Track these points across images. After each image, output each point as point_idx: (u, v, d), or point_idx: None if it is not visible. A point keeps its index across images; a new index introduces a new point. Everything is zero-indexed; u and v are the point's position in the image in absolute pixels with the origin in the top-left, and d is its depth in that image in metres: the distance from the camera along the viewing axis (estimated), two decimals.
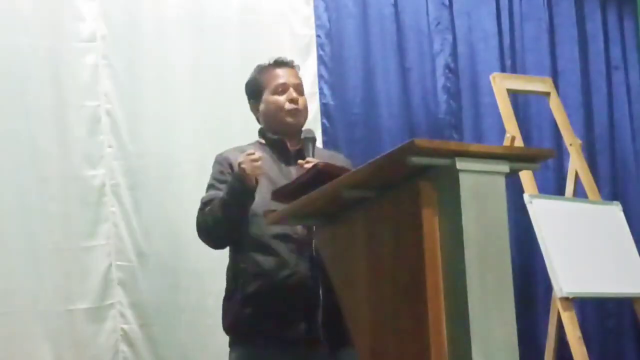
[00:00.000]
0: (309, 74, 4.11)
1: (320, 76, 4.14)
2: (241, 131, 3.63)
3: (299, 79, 2.87)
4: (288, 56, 3.79)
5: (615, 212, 4.14)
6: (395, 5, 4.40)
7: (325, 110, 4.13)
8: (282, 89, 2.76)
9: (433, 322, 1.84)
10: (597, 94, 4.98)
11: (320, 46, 4.17)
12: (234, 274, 2.68)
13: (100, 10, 3.66)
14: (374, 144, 4.17)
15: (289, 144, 2.76)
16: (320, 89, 4.13)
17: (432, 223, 1.88)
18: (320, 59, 4.16)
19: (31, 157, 3.44)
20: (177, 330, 3.60)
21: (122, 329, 3.53)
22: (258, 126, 2.90)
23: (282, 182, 2.60)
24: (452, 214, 1.86)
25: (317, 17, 4.18)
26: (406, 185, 1.95)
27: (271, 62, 2.85)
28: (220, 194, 2.65)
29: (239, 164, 2.55)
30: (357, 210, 2.13)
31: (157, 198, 3.64)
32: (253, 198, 2.57)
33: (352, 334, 2.20)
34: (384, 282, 2.02)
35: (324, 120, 4.11)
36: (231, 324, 2.67)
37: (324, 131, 4.10)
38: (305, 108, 2.82)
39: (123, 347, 3.52)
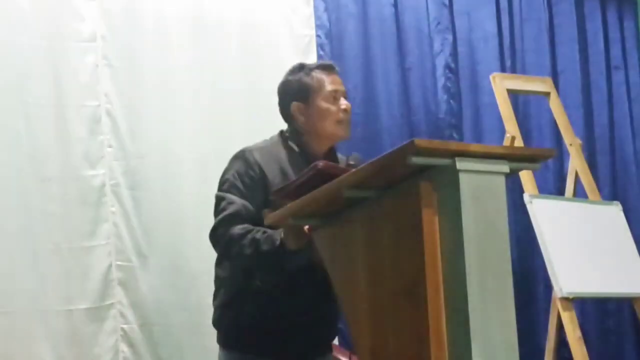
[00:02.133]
0: None
1: None
2: (241, 131, 3.64)
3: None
4: (288, 56, 3.79)
5: (615, 212, 4.14)
6: (395, 5, 4.41)
7: None
8: (335, 97, 2.68)
9: (433, 322, 1.84)
10: (597, 94, 4.98)
11: (320, 46, 4.17)
12: (244, 282, 2.60)
13: (100, 10, 3.66)
14: (374, 144, 4.18)
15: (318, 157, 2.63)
16: None
17: (432, 223, 1.88)
18: (320, 59, 4.15)
19: (31, 157, 3.44)
20: (177, 330, 3.61)
21: (122, 329, 3.53)
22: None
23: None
24: (452, 214, 1.86)
25: (317, 17, 4.18)
26: (406, 185, 1.95)
27: (317, 64, 2.77)
28: (242, 203, 2.53)
29: (284, 241, 2.39)
30: (357, 210, 2.12)
31: (157, 198, 3.65)
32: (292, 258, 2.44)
33: (352, 334, 2.20)
34: (384, 282, 2.02)
35: None
36: (233, 332, 2.64)
37: None
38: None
39: (123, 347, 3.53)
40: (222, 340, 2.70)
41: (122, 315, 3.54)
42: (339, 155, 2.75)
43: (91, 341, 3.46)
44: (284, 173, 2.60)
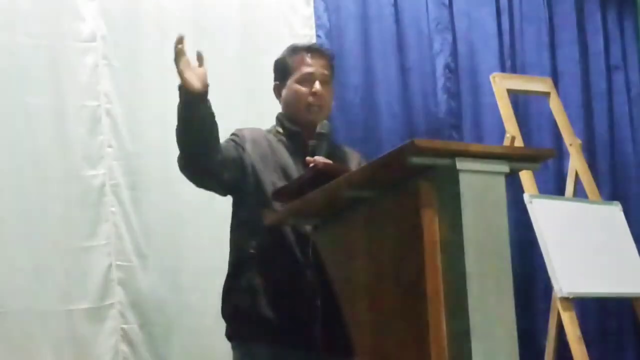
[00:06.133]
0: None
1: None
2: None
3: (329, 69, 2.71)
4: None
5: (615, 212, 4.14)
6: (395, 5, 4.41)
7: None
8: (308, 79, 2.63)
9: (433, 322, 1.84)
10: (597, 94, 4.98)
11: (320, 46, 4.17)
12: (238, 261, 2.59)
13: (100, 10, 3.66)
14: (374, 144, 4.17)
15: (306, 138, 2.63)
16: None
17: (432, 223, 1.88)
18: None
19: (31, 157, 3.44)
20: (177, 330, 3.60)
21: (122, 329, 3.53)
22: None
23: (296, 175, 2.55)
24: (452, 214, 1.86)
25: (317, 17, 4.18)
26: (406, 185, 1.95)
27: (306, 45, 2.73)
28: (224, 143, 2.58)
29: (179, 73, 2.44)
30: (357, 210, 2.12)
31: (157, 198, 3.64)
32: (205, 102, 2.48)
33: (352, 334, 2.20)
34: (384, 282, 2.02)
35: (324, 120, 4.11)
36: (232, 315, 2.61)
37: None
38: (328, 103, 2.70)
39: (123, 347, 3.52)
40: (229, 329, 2.64)
41: (122, 315, 3.54)
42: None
43: (91, 341, 3.46)
44: (272, 150, 2.61)
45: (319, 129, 2.63)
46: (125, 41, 3.70)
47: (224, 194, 2.71)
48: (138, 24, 3.75)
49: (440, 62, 4.49)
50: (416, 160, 1.86)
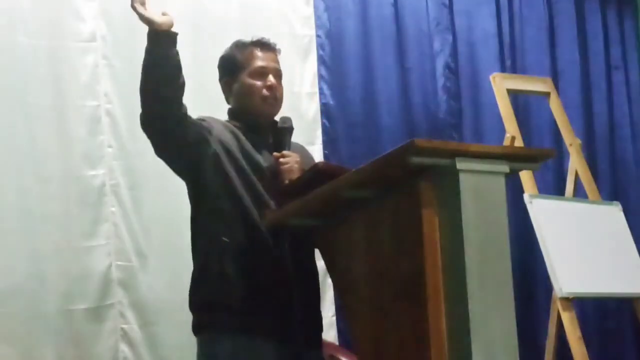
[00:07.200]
0: (308, 74, 4.12)
1: (320, 76, 4.15)
2: None
3: (279, 64, 2.70)
4: (288, 56, 3.78)
5: (615, 212, 4.14)
6: (395, 5, 4.41)
7: (325, 110, 4.14)
8: (261, 73, 2.62)
9: (433, 322, 1.84)
10: (597, 94, 4.99)
11: (320, 46, 4.18)
12: (210, 249, 2.52)
13: (100, 10, 3.66)
14: (374, 144, 4.18)
15: (263, 131, 2.62)
16: (320, 89, 4.14)
17: (432, 223, 1.88)
18: (320, 59, 4.16)
19: (31, 157, 3.45)
20: (177, 330, 3.60)
21: (122, 329, 3.54)
22: None
23: (256, 168, 2.53)
24: (452, 214, 1.86)
25: (317, 17, 4.19)
26: (406, 185, 1.95)
27: (253, 40, 2.69)
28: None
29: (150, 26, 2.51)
30: (357, 210, 2.12)
31: (157, 198, 3.65)
32: (174, 45, 2.55)
33: (352, 333, 2.20)
34: (384, 282, 2.02)
35: (324, 120, 4.12)
36: (203, 306, 2.53)
37: (324, 131, 4.10)
38: (282, 96, 2.67)
39: (123, 347, 3.53)
40: (196, 321, 2.55)
41: (122, 315, 3.54)
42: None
43: (91, 341, 3.46)
44: (237, 139, 2.58)
45: (281, 123, 2.63)
46: (125, 41, 3.69)
47: (182, 170, 2.69)
48: (138, 24, 3.72)
49: (440, 62, 4.50)
50: (416, 160, 1.86)
